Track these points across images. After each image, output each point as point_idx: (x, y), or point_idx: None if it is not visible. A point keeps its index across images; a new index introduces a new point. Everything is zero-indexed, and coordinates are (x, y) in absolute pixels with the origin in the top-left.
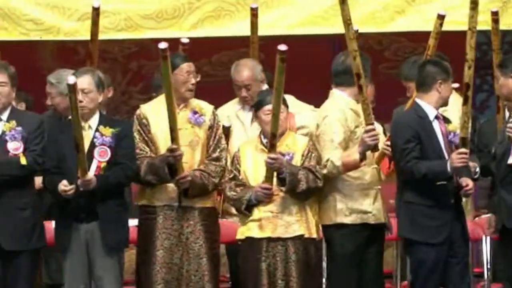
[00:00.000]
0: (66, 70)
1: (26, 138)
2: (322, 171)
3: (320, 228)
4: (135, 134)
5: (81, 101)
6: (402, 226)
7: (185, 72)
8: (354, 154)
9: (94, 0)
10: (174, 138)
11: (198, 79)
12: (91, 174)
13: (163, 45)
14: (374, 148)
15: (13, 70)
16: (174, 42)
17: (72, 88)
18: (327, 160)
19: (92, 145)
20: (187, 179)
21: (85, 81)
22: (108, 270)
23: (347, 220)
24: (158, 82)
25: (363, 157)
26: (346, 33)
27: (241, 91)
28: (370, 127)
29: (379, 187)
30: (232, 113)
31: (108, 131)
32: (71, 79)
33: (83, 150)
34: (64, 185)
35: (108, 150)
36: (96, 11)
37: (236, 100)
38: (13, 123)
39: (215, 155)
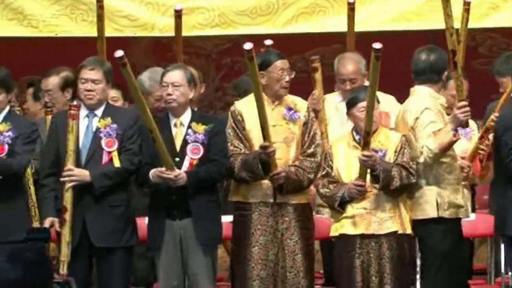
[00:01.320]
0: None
1: (121, 136)
2: (419, 159)
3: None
4: (230, 131)
5: (170, 94)
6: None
7: (279, 70)
8: (447, 132)
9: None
10: (265, 135)
11: (292, 76)
12: (181, 171)
13: (248, 46)
14: (466, 124)
15: (108, 65)
16: (267, 38)
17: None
18: (422, 147)
19: (185, 142)
20: (281, 175)
21: (176, 75)
22: (202, 267)
23: (446, 214)
24: (245, 86)
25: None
26: (444, 9)
27: (346, 84)
28: (462, 103)
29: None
30: (331, 105)
31: (200, 128)
32: (119, 52)
33: (159, 143)
34: (161, 172)
35: (201, 147)
36: (178, 13)
37: (336, 93)
38: (108, 120)
39: (310, 151)
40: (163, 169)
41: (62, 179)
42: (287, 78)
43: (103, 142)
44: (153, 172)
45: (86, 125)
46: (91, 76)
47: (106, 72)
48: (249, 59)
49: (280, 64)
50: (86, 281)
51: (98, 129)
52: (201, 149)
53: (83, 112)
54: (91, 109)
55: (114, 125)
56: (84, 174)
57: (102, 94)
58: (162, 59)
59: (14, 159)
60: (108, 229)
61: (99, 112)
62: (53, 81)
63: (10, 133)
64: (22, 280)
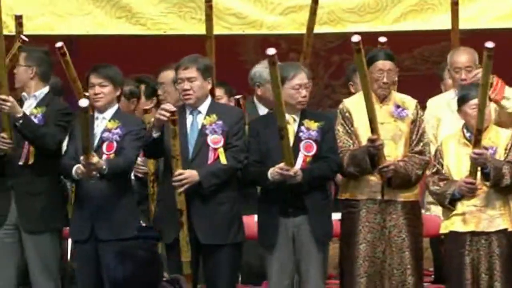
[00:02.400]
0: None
1: (227, 132)
2: None
3: None
4: (339, 127)
5: (304, 96)
6: None
7: (378, 70)
8: None
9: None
10: (373, 128)
11: (395, 78)
12: (297, 167)
13: (356, 38)
14: None
15: (204, 62)
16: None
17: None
18: None
19: (298, 139)
20: (390, 168)
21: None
22: (314, 264)
23: None
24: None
25: None
26: None
27: (461, 73)
28: None
29: None
30: (443, 102)
31: (313, 125)
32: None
33: (287, 140)
34: (281, 168)
35: (314, 144)
36: (315, 5)
37: (450, 91)
38: (214, 117)
39: (418, 148)
40: (282, 165)
41: (174, 184)
42: (384, 80)
43: (209, 139)
44: (273, 170)
45: (190, 122)
46: (186, 75)
47: (201, 69)
48: (357, 51)
49: (379, 64)
50: (194, 278)
51: (203, 126)
52: (314, 146)
53: (187, 110)
54: (194, 107)
55: (220, 122)
56: (193, 175)
57: (200, 91)
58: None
59: (121, 157)
60: (215, 227)
61: (203, 109)
62: (168, 75)
63: (119, 130)
64: (130, 277)
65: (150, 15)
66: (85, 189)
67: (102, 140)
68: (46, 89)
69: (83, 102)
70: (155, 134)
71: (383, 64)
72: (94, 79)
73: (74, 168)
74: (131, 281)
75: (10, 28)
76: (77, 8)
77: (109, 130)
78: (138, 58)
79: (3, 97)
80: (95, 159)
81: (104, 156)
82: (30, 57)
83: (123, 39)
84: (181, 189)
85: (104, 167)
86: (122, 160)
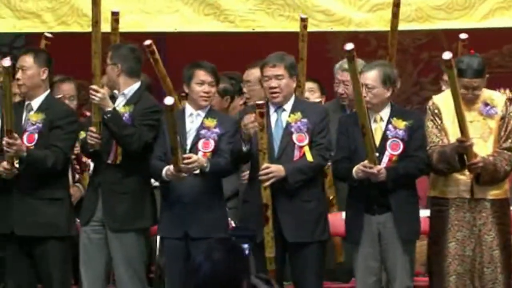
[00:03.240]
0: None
1: (312, 130)
2: None
3: None
4: (428, 124)
5: (364, 96)
6: None
7: (463, 86)
8: None
9: None
10: (462, 130)
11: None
12: (381, 166)
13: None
14: None
15: (290, 59)
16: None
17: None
18: None
19: (384, 138)
20: (478, 165)
21: (369, 78)
22: (400, 262)
23: None
24: None
25: None
26: None
27: None
28: None
29: None
30: None
31: (401, 124)
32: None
33: (369, 137)
34: (365, 166)
35: (401, 143)
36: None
37: None
38: (298, 114)
39: (506, 145)
40: (365, 163)
41: (260, 177)
42: (469, 96)
43: (294, 137)
44: (357, 168)
45: (275, 120)
46: (274, 72)
47: (288, 66)
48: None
49: (466, 82)
50: (281, 274)
51: (288, 123)
52: (400, 145)
53: (271, 108)
54: (280, 104)
55: (304, 120)
56: (280, 169)
57: (287, 89)
58: (359, 54)
59: (221, 158)
60: (301, 224)
61: (287, 106)
62: (254, 73)
63: (217, 129)
64: (215, 273)
65: (239, 12)
66: (177, 187)
67: (198, 137)
68: (136, 85)
69: (169, 100)
70: (245, 148)
71: (469, 82)
72: (204, 77)
73: (164, 169)
74: (213, 278)
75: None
76: (166, 5)
77: (207, 128)
78: (225, 55)
79: (95, 87)
80: (194, 157)
81: (200, 153)
82: (115, 55)
83: (211, 36)
84: (267, 183)
85: (205, 164)
86: (224, 162)
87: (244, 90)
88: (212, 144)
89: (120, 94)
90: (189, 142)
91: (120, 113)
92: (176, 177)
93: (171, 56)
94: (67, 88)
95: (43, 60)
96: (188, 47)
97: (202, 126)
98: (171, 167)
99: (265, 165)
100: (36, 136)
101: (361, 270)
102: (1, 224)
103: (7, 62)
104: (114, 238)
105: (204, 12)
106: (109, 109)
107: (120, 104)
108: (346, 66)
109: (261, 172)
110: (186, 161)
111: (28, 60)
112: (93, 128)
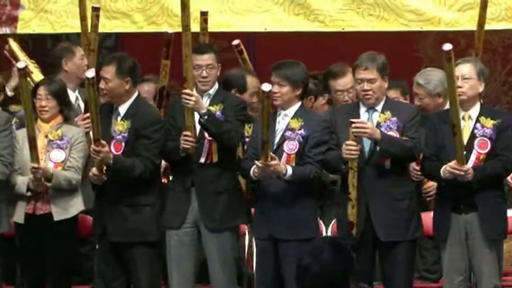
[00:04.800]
0: (433, 70)
1: (402, 128)
2: None
3: None
4: None
5: (460, 87)
6: None
7: None
8: None
9: None
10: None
11: None
12: (469, 165)
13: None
14: None
15: (381, 60)
16: None
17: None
18: None
19: (472, 136)
20: None
21: (466, 69)
22: (487, 262)
23: None
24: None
25: None
26: None
27: None
28: None
29: None
30: None
31: (489, 123)
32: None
33: (459, 137)
34: (451, 167)
35: (488, 142)
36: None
37: None
38: (388, 114)
39: None
40: (453, 164)
41: (353, 128)
42: None
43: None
44: (444, 168)
45: (366, 120)
46: (366, 76)
47: (380, 67)
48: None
49: None
50: (370, 274)
51: (378, 123)
52: (488, 144)
53: (363, 108)
54: (371, 106)
55: (394, 119)
56: (376, 130)
57: (379, 91)
58: None
59: (307, 167)
60: (393, 223)
61: (379, 107)
62: (344, 82)
63: (302, 131)
64: (321, 274)
65: (329, 12)
66: (266, 187)
67: (284, 138)
68: (217, 85)
69: (266, 87)
70: (344, 169)
71: None
72: (273, 78)
73: (252, 168)
74: (321, 278)
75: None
76: (256, 5)
77: (292, 130)
78: (313, 55)
79: (188, 91)
80: (273, 162)
81: (284, 155)
82: None
83: (298, 35)
84: (358, 134)
85: (284, 171)
86: (308, 170)
87: (346, 98)
88: (297, 146)
89: (205, 94)
90: (275, 142)
91: (214, 113)
92: (264, 173)
93: (260, 56)
94: (148, 89)
95: (126, 71)
96: (276, 46)
97: (288, 127)
98: (257, 162)
99: (362, 119)
100: (123, 144)
101: (448, 269)
102: (95, 225)
103: (90, 73)
104: (210, 238)
105: (294, 12)
106: (204, 111)
107: (205, 103)
108: (419, 81)
109: (356, 124)
110: (272, 162)
111: (110, 72)
112: (187, 132)
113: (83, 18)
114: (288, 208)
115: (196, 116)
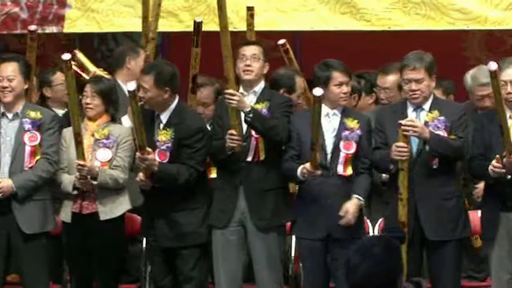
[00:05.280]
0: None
1: (449, 127)
2: None
3: None
4: None
5: (510, 92)
6: None
7: None
8: None
9: None
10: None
11: None
12: None
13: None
14: None
15: (429, 59)
16: None
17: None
18: None
19: None
20: None
21: None
22: None
23: None
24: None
25: None
26: None
27: None
28: None
29: None
30: None
31: None
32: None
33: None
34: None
35: None
36: None
37: None
38: (435, 113)
39: None
40: (494, 162)
41: (402, 128)
42: None
43: None
44: (490, 166)
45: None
46: (414, 76)
47: (428, 67)
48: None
49: None
50: (418, 273)
51: (426, 122)
52: None
53: (410, 107)
54: (419, 105)
55: (442, 118)
56: (425, 129)
57: (427, 90)
58: (495, 52)
59: (364, 176)
60: (442, 222)
61: (426, 106)
62: (391, 79)
63: (359, 131)
64: (370, 274)
65: (375, 11)
66: (315, 186)
67: (339, 138)
68: (263, 83)
69: (318, 91)
70: (392, 169)
71: None
72: (341, 78)
73: (299, 169)
74: (371, 277)
75: (234, 25)
76: (302, 4)
77: (350, 129)
78: (359, 54)
79: (231, 91)
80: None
81: (342, 155)
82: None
83: (345, 34)
84: (406, 133)
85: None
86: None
87: (382, 96)
88: (354, 146)
89: (250, 92)
90: (329, 142)
91: (258, 109)
92: (313, 175)
93: (306, 55)
94: (205, 94)
95: (165, 81)
96: (322, 45)
97: (344, 127)
98: (307, 165)
99: (411, 118)
100: (168, 154)
101: (496, 268)
102: (145, 228)
103: (132, 86)
104: (257, 237)
105: (340, 10)
106: (248, 109)
107: (252, 101)
108: (482, 80)
109: (406, 122)
110: (318, 172)
111: (148, 82)
112: (233, 131)
113: (145, 15)
114: (338, 204)
115: (242, 115)
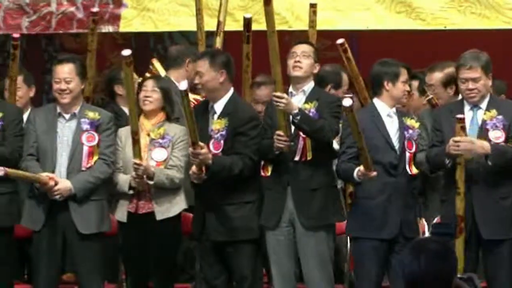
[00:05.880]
0: None
1: (508, 126)
2: None
3: None
4: None
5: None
6: None
7: None
8: None
9: None
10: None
11: None
12: None
13: None
14: None
15: (485, 58)
16: None
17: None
18: None
19: None
20: None
21: None
22: None
23: None
24: None
25: None
26: None
27: None
28: None
29: None
30: None
31: None
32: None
33: None
34: None
35: None
36: None
37: None
38: (493, 112)
39: None
40: None
41: (454, 148)
42: None
43: (490, 135)
44: None
45: (470, 118)
46: (470, 75)
47: (484, 66)
48: None
49: None
50: (474, 272)
51: (484, 121)
52: None
53: (467, 106)
54: (475, 104)
55: (500, 117)
56: (484, 145)
57: (484, 89)
58: None
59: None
60: (498, 221)
61: (483, 105)
62: (436, 76)
63: (418, 130)
64: (425, 271)
65: (431, 10)
66: (369, 186)
67: (404, 137)
68: (312, 83)
69: (347, 102)
70: (448, 163)
71: None
72: (406, 76)
73: (355, 170)
74: (426, 274)
75: (290, 24)
76: (358, 3)
77: (412, 128)
78: (415, 53)
79: (279, 93)
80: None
81: (407, 154)
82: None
83: (401, 33)
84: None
85: None
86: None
87: (428, 94)
88: (414, 145)
89: (300, 91)
90: (396, 142)
91: (305, 111)
92: (368, 177)
93: (363, 54)
94: (265, 93)
95: (220, 63)
96: (379, 44)
97: (406, 127)
98: (361, 167)
99: (465, 138)
100: (222, 143)
101: None
102: (196, 224)
103: (183, 85)
104: (305, 236)
105: (396, 10)
106: (296, 111)
107: (301, 101)
108: None
109: (459, 139)
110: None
111: (203, 65)
112: (280, 132)
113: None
114: (407, 207)
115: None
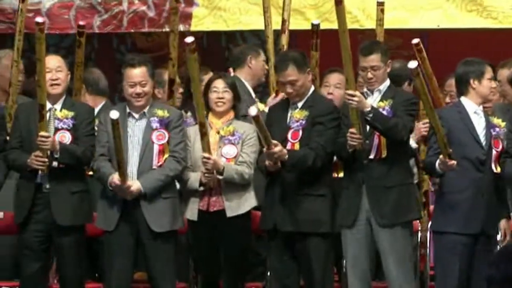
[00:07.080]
0: None
1: None
2: None
3: None
4: None
5: None
6: None
7: None
8: None
9: None
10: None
11: None
12: None
13: None
14: None
15: None
16: None
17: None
18: None
19: None
20: None
21: None
22: None
23: None
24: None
25: None
26: None
27: None
28: None
29: None
30: None
31: None
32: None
33: None
34: None
35: None
36: None
37: None
38: None
39: None
40: None
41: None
42: None
43: None
44: None
45: None
46: None
47: None
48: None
49: None
50: None
51: None
52: None
53: None
54: None
55: None
56: None
57: None
58: None
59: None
60: None
61: None
62: (504, 73)
63: (505, 129)
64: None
65: (502, 8)
66: (454, 181)
67: (490, 135)
68: (388, 81)
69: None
70: None
71: None
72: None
73: (437, 162)
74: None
75: (361, 23)
76: (428, 2)
77: (498, 127)
78: (487, 51)
79: (351, 92)
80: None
81: (493, 153)
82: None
83: (472, 33)
84: None
85: None
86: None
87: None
88: (501, 144)
89: (375, 90)
90: (484, 140)
91: (378, 109)
92: (448, 166)
93: (433, 53)
94: (334, 79)
95: (303, 64)
96: (450, 43)
97: (493, 125)
98: (441, 156)
99: None
100: (300, 132)
101: None
102: (266, 219)
103: (253, 111)
104: (382, 234)
105: (467, 8)
106: (368, 109)
107: (376, 100)
108: None
109: None
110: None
111: (292, 73)
112: (353, 130)
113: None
114: (492, 204)
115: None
